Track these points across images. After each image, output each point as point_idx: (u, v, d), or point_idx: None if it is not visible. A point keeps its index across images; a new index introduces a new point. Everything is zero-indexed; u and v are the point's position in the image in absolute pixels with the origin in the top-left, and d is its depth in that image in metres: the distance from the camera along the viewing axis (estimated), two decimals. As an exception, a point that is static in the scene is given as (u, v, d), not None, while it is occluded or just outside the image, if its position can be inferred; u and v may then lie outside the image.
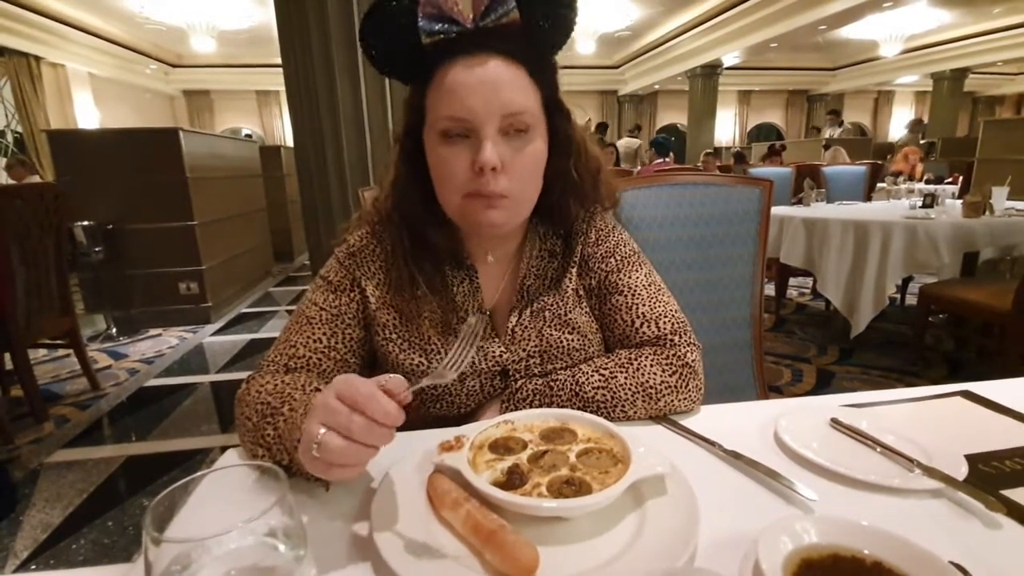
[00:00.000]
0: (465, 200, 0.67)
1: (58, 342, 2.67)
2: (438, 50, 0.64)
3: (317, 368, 0.70)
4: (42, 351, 3.24)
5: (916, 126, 8.38)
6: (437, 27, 0.63)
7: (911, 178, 5.43)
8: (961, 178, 5.21)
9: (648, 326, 0.75)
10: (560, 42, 0.69)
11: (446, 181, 0.67)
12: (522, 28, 0.64)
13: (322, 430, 0.44)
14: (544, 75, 0.69)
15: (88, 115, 9.31)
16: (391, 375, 0.48)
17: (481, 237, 0.76)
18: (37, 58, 8.08)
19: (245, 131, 12.82)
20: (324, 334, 0.72)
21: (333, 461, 0.45)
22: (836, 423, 0.65)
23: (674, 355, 0.72)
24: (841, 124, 8.97)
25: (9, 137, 8.45)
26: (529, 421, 0.61)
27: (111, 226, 3.59)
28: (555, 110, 0.71)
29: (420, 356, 0.74)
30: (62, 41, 8.25)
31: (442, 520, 0.49)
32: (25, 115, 8.00)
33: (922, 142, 7.61)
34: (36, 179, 5.07)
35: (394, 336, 0.74)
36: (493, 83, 0.63)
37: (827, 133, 8.60)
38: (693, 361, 0.72)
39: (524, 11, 0.63)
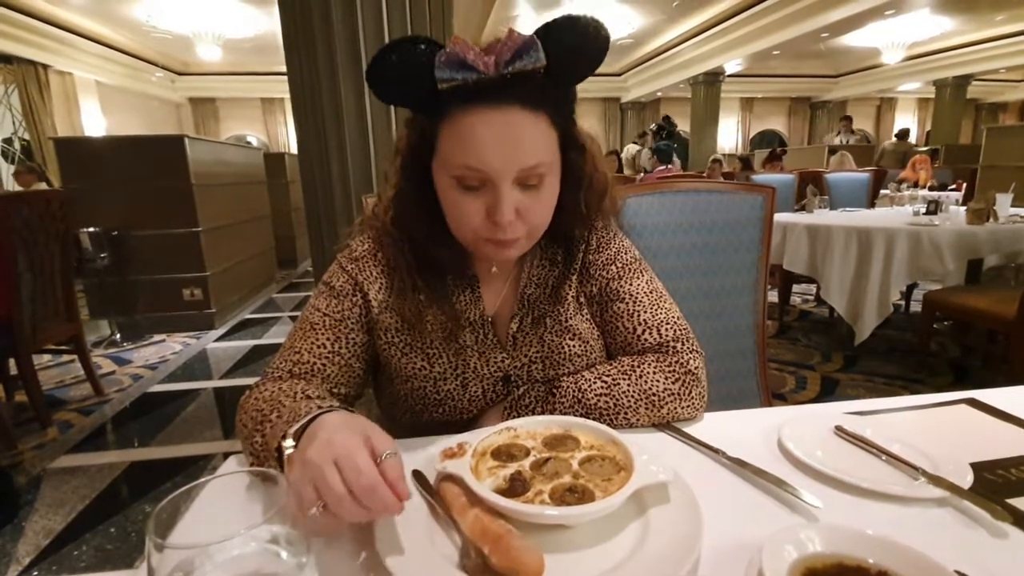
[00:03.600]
0: (480, 241, 0.67)
1: (62, 348, 2.67)
2: (455, 93, 0.60)
3: (322, 373, 0.71)
4: (47, 356, 3.25)
5: (904, 134, 8.48)
6: (456, 76, 0.59)
7: (915, 185, 5.42)
8: (965, 185, 5.19)
9: (650, 333, 0.75)
10: (584, 77, 0.65)
11: (460, 223, 0.67)
12: (547, 71, 0.60)
13: (314, 509, 0.44)
14: (563, 114, 0.67)
15: (95, 123, 9.39)
16: (390, 452, 0.47)
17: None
18: (45, 66, 8.15)
19: (250, 138, 12.91)
20: (328, 339, 0.72)
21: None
22: (840, 431, 0.65)
23: (677, 362, 0.72)
24: (852, 132, 8.89)
25: (16, 144, 8.52)
26: (532, 428, 0.61)
27: (116, 232, 3.61)
28: (570, 146, 0.69)
29: (422, 360, 0.74)
30: (70, 49, 8.33)
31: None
32: (32, 122, 8.08)
33: (924, 149, 7.57)
34: (43, 186, 5.10)
35: (396, 340, 0.75)
36: (513, 138, 0.61)
37: (838, 140, 8.51)
38: (696, 368, 0.72)
39: (552, 55, 0.59)
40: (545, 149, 0.64)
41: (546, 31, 0.60)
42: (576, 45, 0.61)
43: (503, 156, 0.61)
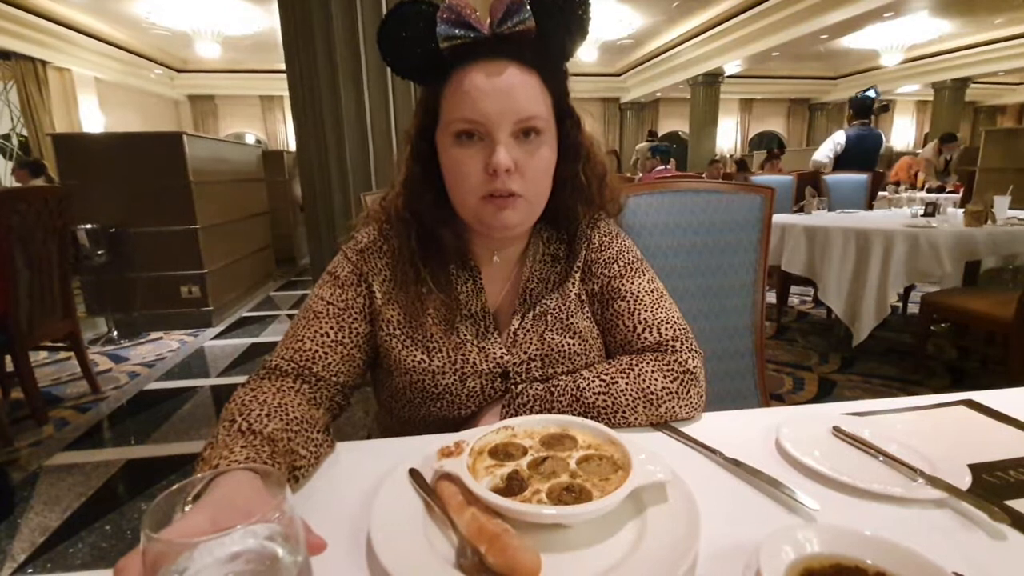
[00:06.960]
0: (480, 202, 0.68)
1: (59, 345, 2.67)
2: (455, 54, 0.66)
3: (323, 361, 0.71)
4: (43, 353, 3.24)
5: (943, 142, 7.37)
6: (455, 32, 0.65)
7: (912, 187, 5.42)
8: (963, 187, 5.21)
9: (650, 332, 0.75)
10: (573, 49, 0.70)
11: (461, 182, 0.69)
12: (537, 35, 0.66)
13: None
14: (556, 81, 0.71)
15: (93, 119, 9.37)
16: None
17: (492, 239, 0.76)
18: (43, 62, 8.14)
19: (250, 136, 12.90)
20: (331, 328, 0.73)
21: None
22: (838, 431, 0.65)
23: (675, 361, 0.72)
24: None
25: (14, 141, 8.50)
26: (529, 427, 0.61)
27: (114, 229, 3.60)
28: (565, 116, 0.73)
29: (422, 353, 0.74)
30: (69, 46, 8.32)
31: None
32: (30, 119, 8.06)
33: (941, 157, 7.15)
34: (40, 182, 5.08)
35: (397, 332, 0.75)
36: (507, 89, 0.65)
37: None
38: (694, 367, 0.72)
39: (539, 19, 0.65)
40: (540, 105, 0.68)
41: None
42: (559, 7, 0.66)
43: (499, 106, 0.65)
